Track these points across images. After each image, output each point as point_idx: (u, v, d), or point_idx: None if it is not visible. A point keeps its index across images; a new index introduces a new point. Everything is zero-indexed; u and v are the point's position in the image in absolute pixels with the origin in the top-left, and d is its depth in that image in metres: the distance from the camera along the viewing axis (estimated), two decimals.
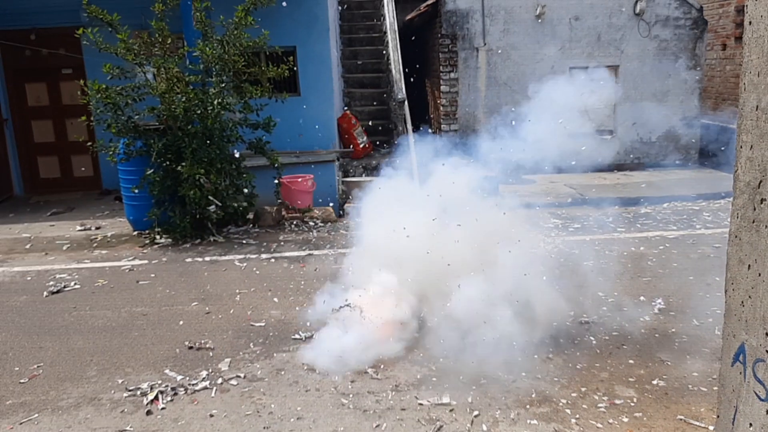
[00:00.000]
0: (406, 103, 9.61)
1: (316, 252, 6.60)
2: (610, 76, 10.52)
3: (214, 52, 6.89)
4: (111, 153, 6.97)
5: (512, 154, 4.95)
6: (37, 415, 3.56)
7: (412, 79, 11.17)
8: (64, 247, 7.12)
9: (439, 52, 10.39)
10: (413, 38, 12.60)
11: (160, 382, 3.85)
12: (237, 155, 7.21)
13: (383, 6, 10.98)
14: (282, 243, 7.02)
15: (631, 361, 3.92)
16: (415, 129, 9.41)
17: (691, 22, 10.34)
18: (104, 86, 6.65)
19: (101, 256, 6.77)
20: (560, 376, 3.72)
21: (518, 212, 4.98)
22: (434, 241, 4.31)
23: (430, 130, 10.21)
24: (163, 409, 3.55)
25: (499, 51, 10.30)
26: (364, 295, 4.33)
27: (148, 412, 3.51)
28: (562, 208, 8.26)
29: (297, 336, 4.42)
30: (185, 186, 6.80)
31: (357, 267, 4.76)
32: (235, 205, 7.29)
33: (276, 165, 7.53)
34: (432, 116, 11.46)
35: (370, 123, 10.51)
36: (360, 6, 12.20)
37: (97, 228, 7.64)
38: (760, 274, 1.89)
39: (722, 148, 9.99)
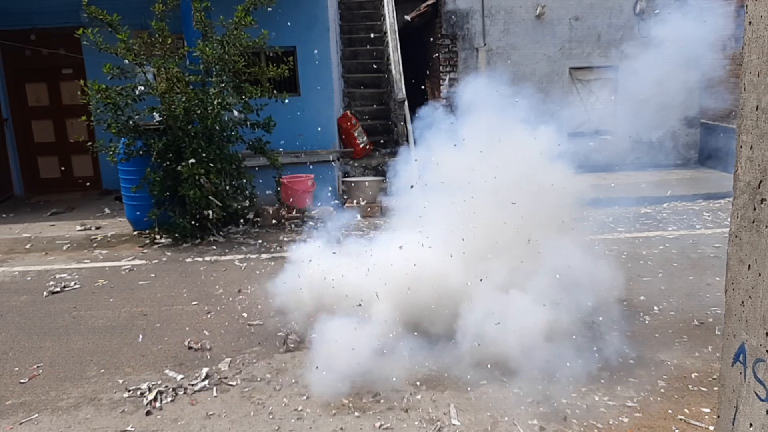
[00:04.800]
0: (406, 103, 9.61)
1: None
2: (610, 76, 10.55)
3: (214, 52, 6.89)
4: (111, 153, 6.98)
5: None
6: (37, 415, 3.56)
7: (413, 81, 11.17)
8: (64, 247, 7.12)
9: (439, 52, 10.39)
10: (413, 38, 12.61)
11: (160, 382, 3.85)
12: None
13: (383, 6, 10.98)
14: (282, 243, 7.02)
15: (631, 361, 3.92)
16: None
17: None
18: (104, 86, 6.65)
19: (101, 256, 6.77)
20: (560, 377, 3.72)
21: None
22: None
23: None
24: (162, 409, 3.55)
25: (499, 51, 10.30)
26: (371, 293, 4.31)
27: (148, 413, 3.51)
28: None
29: (298, 336, 4.41)
30: (185, 186, 6.80)
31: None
32: (235, 205, 7.29)
33: (276, 165, 7.53)
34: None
35: (370, 123, 10.51)
36: (360, 6, 12.20)
37: (97, 228, 7.64)
38: (760, 274, 1.89)
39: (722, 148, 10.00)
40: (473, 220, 4.25)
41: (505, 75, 4.94)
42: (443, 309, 4.16)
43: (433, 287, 4.12)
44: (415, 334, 4.19)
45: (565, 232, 4.60)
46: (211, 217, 7.01)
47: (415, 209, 4.74)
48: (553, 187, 4.44)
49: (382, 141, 10.46)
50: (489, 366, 3.83)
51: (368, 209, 8.25)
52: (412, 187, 4.43)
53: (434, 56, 10.84)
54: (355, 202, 8.44)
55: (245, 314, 4.92)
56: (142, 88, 6.89)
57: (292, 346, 4.25)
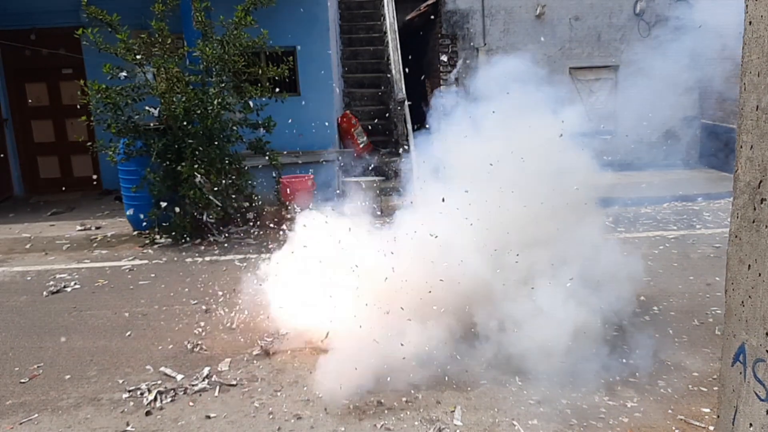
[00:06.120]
0: (406, 102, 9.62)
1: None
2: (610, 76, 10.55)
3: (214, 52, 6.89)
4: (111, 153, 6.98)
5: None
6: (37, 415, 3.56)
7: (418, 85, 11.16)
8: (64, 247, 7.12)
9: (439, 52, 10.39)
10: (413, 38, 12.61)
11: (160, 382, 3.85)
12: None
13: (383, 6, 10.99)
14: (282, 243, 7.01)
15: (631, 361, 3.92)
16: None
17: (681, 25, 10.34)
18: (104, 86, 6.65)
19: (101, 256, 6.77)
20: (560, 377, 3.72)
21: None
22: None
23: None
24: (162, 409, 3.55)
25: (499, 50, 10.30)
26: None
27: (148, 413, 3.51)
28: None
29: (298, 335, 4.41)
30: (185, 186, 6.80)
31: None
32: (235, 205, 7.29)
33: (276, 165, 7.53)
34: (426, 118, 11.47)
35: (370, 123, 10.51)
36: (360, 6, 12.20)
37: (97, 228, 7.64)
38: (760, 274, 1.90)
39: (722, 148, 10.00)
40: (492, 213, 4.19)
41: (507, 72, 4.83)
42: (457, 308, 4.13)
43: (451, 289, 4.09)
44: (425, 332, 4.15)
45: (580, 227, 4.56)
46: (206, 219, 7.00)
47: (421, 208, 4.70)
48: (570, 185, 4.42)
49: (382, 141, 10.46)
50: (488, 366, 3.83)
51: (369, 209, 8.25)
52: (443, 200, 4.31)
53: (434, 56, 10.84)
54: (355, 201, 8.44)
55: (245, 314, 4.91)
56: (125, 73, 6.88)
57: (270, 349, 4.22)
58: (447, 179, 4.60)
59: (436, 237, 4.07)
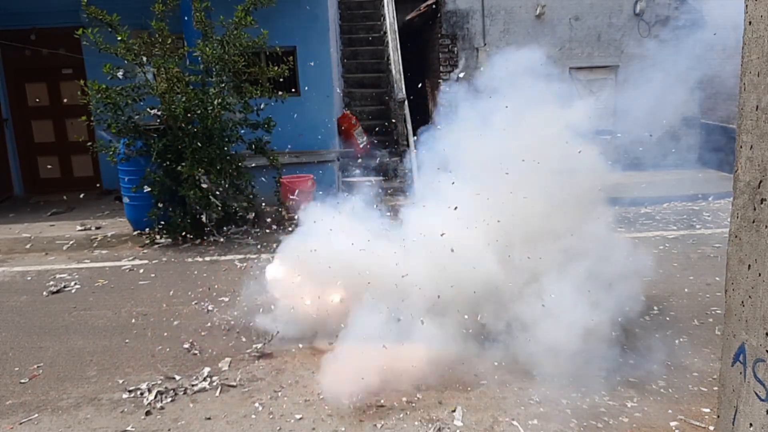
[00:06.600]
0: (406, 103, 9.61)
1: None
2: (610, 76, 10.55)
3: (214, 52, 6.89)
4: (111, 153, 6.98)
5: None
6: (37, 415, 3.56)
7: (418, 84, 11.16)
8: (64, 247, 7.12)
9: (439, 52, 10.39)
10: (413, 38, 12.61)
11: (159, 382, 3.85)
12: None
13: (383, 6, 10.98)
14: (284, 243, 7.00)
15: (631, 361, 3.92)
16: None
17: (690, 22, 10.34)
18: (104, 86, 6.65)
19: (101, 256, 6.77)
20: (560, 377, 3.72)
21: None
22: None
23: None
24: (162, 409, 3.55)
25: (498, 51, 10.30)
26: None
27: (148, 413, 3.51)
28: None
29: (298, 336, 4.41)
30: (185, 186, 6.80)
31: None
32: (235, 205, 7.29)
33: (276, 165, 7.53)
34: (432, 116, 11.46)
35: (370, 123, 10.50)
36: (360, 6, 12.20)
37: (97, 228, 7.64)
38: (760, 274, 1.90)
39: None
40: (504, 214, 4.17)
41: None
42: (467, 309, 4.13)
43: (461, 291, 4.08)
44: (432, 334, 4.14)
45: (588, 227, 4.55)
46: (205, 221, 7.00)
47: (421, 209, 4.68)
48: (578, 185, 4.41)
49: (382, 141, 10.45)
50: (487, 368, 3.83)
51: (371, 208, 8.23)
52: (455, 208, 4.29)
53: (434, 56, 10.83)
54: (356, 201, 8.43)
55: (245, 314, 4.91)
56: (121, 73, 6.87)
57: (266, 350, 4.22)
58: (453, 178, 4.57)
59: (453, 251, 4.04)
